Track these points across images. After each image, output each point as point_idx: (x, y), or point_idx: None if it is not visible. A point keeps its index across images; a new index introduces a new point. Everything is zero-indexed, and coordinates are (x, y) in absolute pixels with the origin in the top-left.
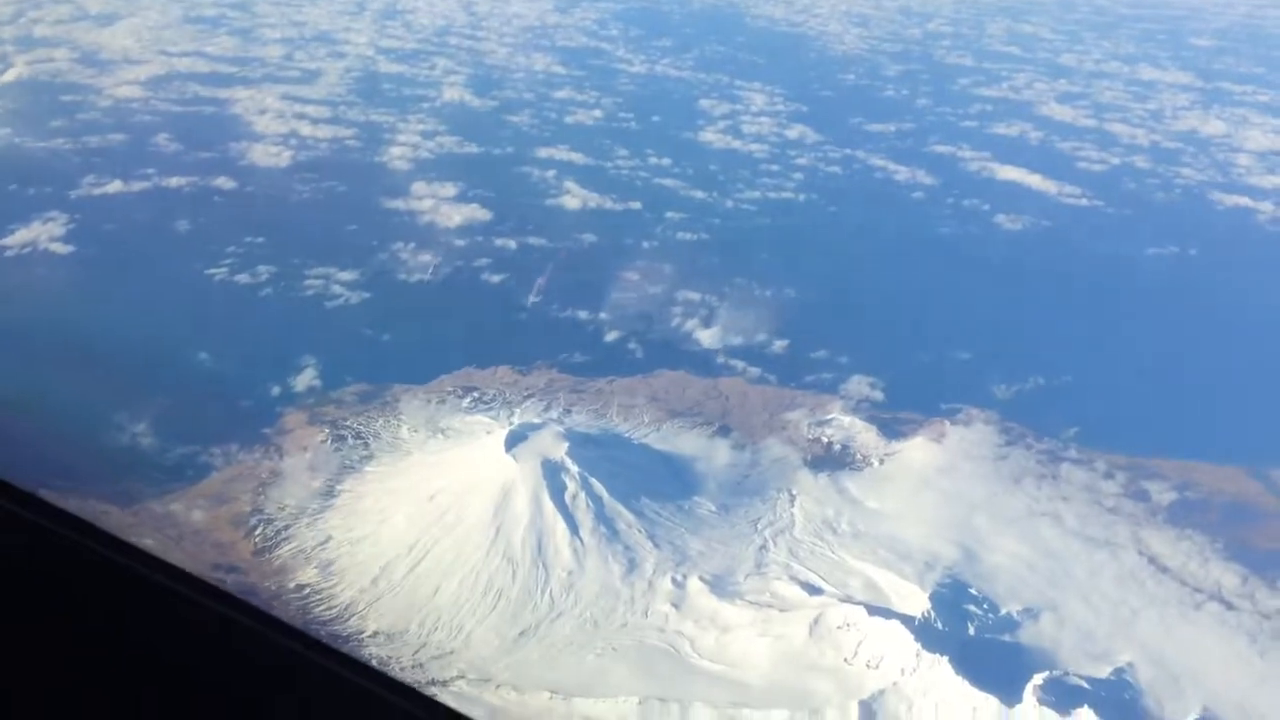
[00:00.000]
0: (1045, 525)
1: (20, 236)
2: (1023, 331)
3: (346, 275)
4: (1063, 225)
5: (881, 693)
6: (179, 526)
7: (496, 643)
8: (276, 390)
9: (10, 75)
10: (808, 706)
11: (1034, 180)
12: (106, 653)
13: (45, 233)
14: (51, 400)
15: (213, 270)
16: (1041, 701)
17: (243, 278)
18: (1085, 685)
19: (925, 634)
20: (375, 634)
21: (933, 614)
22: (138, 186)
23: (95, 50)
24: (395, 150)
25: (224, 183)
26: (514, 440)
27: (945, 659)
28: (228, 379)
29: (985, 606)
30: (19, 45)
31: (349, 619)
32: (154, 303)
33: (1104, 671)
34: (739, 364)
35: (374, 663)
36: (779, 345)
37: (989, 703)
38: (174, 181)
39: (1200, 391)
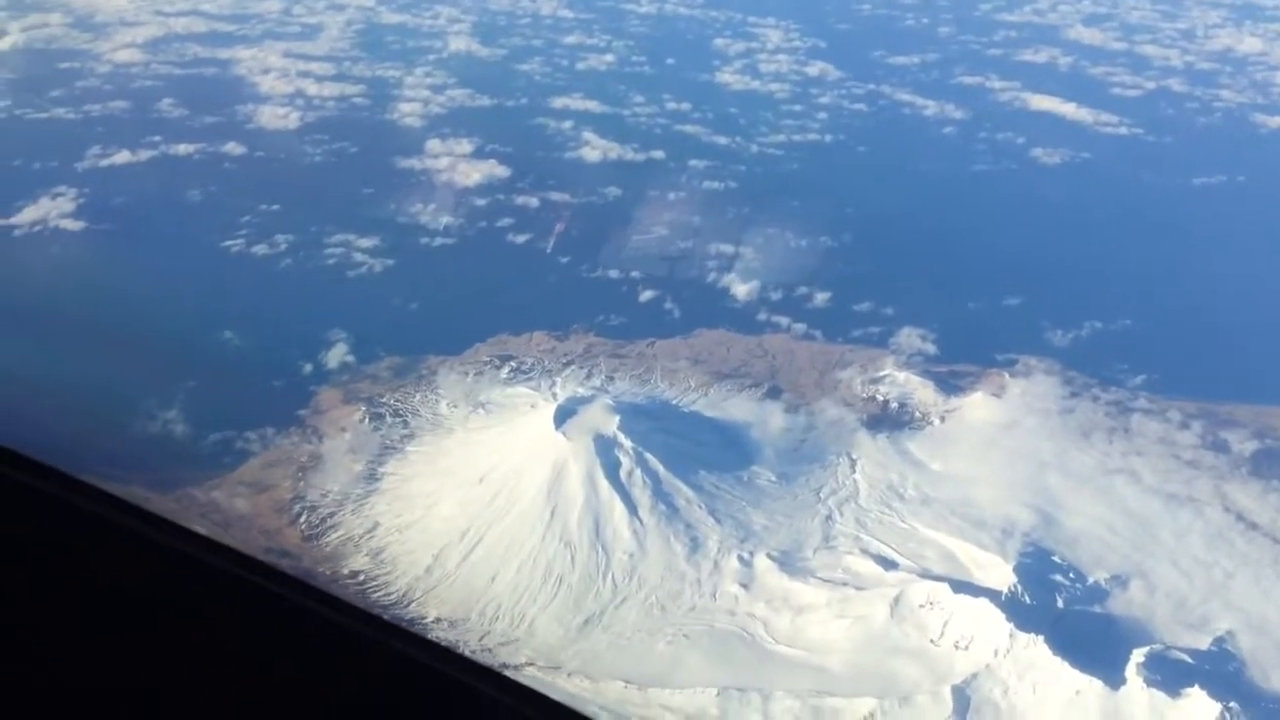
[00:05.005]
0: (1122, 483)
1: (29, 214)
2: (1073, 273)
3: (367, 241)
4: (1103, 157)
5: (975, 676)
6: (223, 514)
7: (561, 631)
8: (308, 368)
9: (5, 43)
10: (896, 693)
11: (1068, 110)
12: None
13: (55, 209)
14: (78, 387)
15: (229, 242)
16: (1148, 682)
17: (260, 248)
18: (1189, 660)
19: (1014, 610)
20: (438, 619)
21: (1019, 587)
22: (145, 155)
23: (90, 13)
24: (405, 106)
25: (233, 148)
26: (563, 416)
27: (1041, 638)
28: (257, 358)
29: (1071, 576)
30: (11, 10)
31: (409, 605)
32: (173, 279)
33: (1204, 642)
34: (782, 320)
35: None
36: (821, 298)
37: (1093, 685)
38: (182, 149)
39: (1267, 329)
